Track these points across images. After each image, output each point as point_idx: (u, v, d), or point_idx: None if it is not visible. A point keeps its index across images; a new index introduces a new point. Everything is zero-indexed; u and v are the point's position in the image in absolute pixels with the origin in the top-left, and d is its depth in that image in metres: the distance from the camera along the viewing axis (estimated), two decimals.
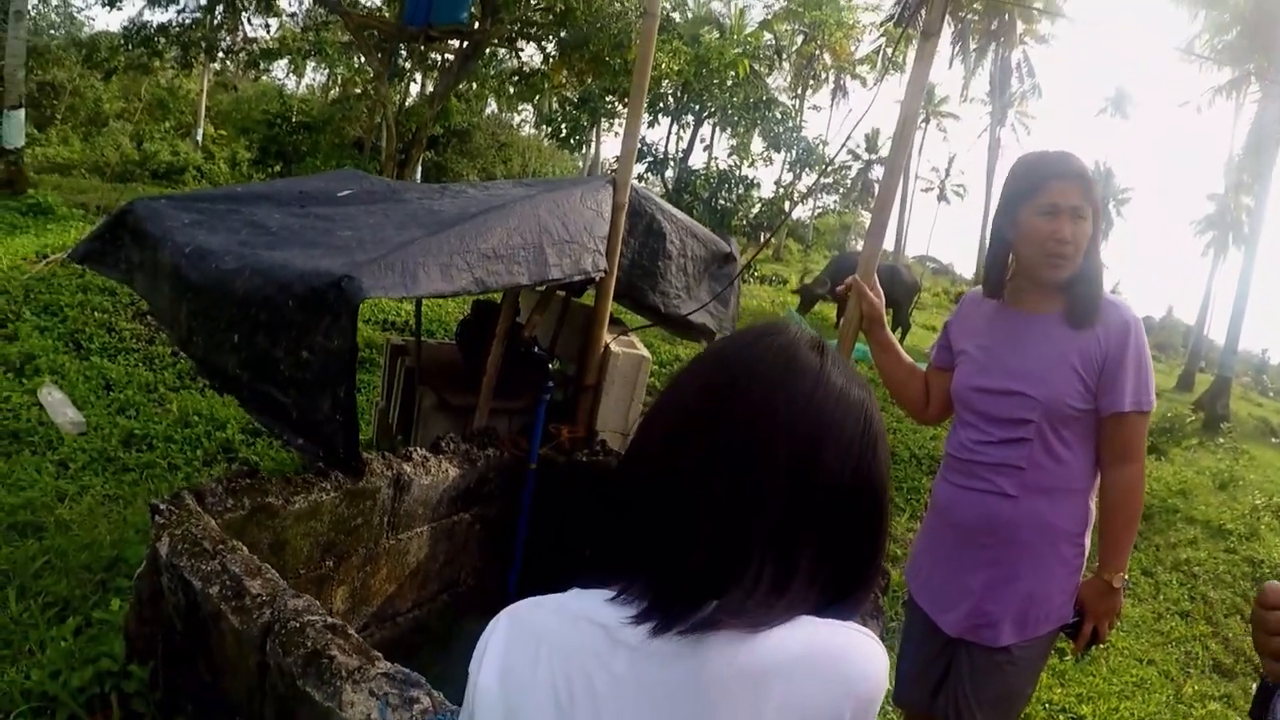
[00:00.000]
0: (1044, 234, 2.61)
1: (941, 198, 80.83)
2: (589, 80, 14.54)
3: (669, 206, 4.96)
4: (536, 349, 4.86)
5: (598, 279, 4.38)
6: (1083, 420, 2.66)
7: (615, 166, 14.70)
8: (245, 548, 2.83)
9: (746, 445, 1.00)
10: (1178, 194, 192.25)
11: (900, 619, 3.62)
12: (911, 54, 3.71)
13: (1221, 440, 16.35)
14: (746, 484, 0.99)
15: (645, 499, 1.04)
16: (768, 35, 18.15)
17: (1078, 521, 2.72)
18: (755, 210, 14.11)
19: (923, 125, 56.78)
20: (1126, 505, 2.69)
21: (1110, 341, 2.63)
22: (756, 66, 16.12)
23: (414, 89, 24.97)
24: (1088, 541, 2.76)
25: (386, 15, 16.25)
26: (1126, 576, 2.75)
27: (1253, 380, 76.35)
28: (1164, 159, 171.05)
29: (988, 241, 2.97)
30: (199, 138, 27.81)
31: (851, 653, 0.97)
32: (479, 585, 4.41)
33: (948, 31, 38.30)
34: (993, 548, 2.70)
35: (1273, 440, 25.34)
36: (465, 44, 15.34)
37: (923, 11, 3.29)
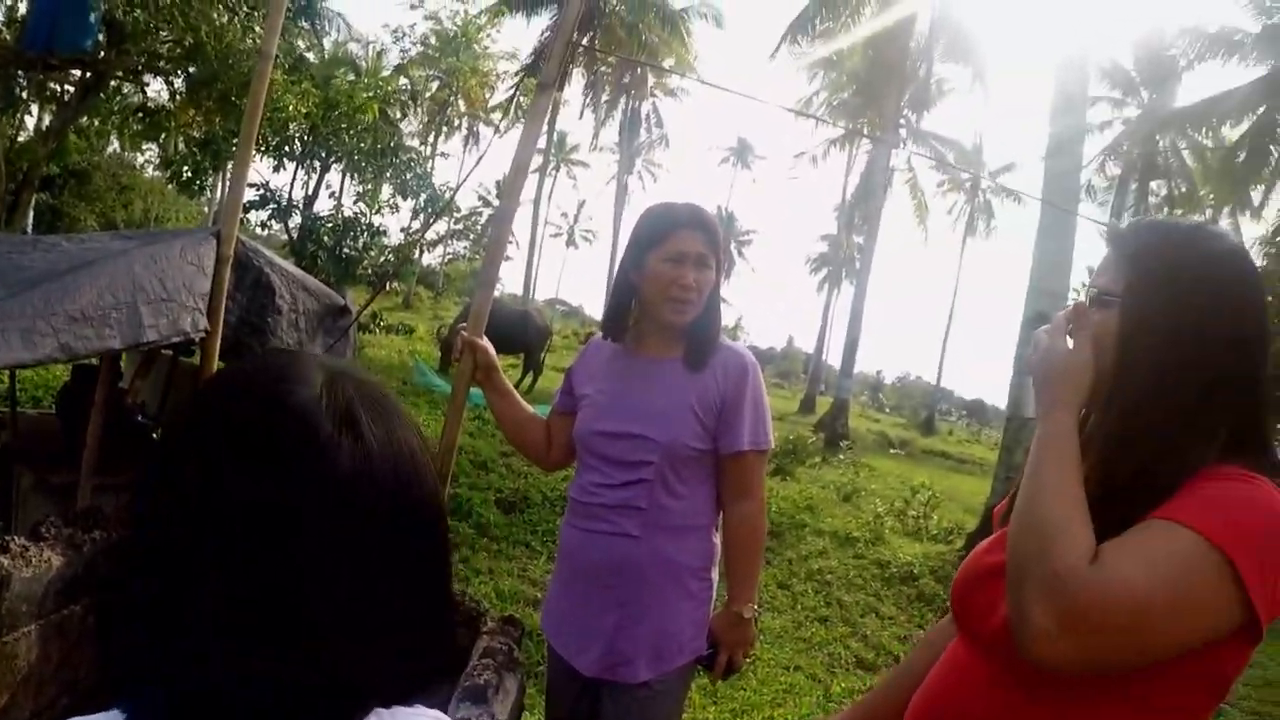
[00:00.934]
0: (668, 280, 2.66)
1: (570, 243, 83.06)
2: (217, 121, 13.97)
3: (279, 259, 4.75)
4: (140, 417, 4.52)
5: (198, 340, 4.13)
6: (702, 460, 2.71)
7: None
8: None
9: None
10: (796, 235, 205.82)
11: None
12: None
13: (843, 456, 17.52)
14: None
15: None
16: (403, 80, 18.10)
17: (702, 557, 2.76)
18: (382, 258, 13.86)
19: (553, 172, 58.04)
20: (749, 540, 2.77)
21: (728, 384, 2.69)
22: (390, 111, 15.95)
23: (30, 122, 23.03)
24: (715, 575, 2.81)
25: (6, 37, 14.88)
26: (756, 607, 2.81)
27: (870, 398, 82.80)
28: (784, 203, 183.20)
29: (613, 283, 3.00)
30: None
31: None
32: (100, 682, 4.02)
33: (580, 83, 39.36)
34: (621, 587, 2.71)
35: (891, 451, 27.60)
36: (88, 74, 14.33)
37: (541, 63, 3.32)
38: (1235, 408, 1.38)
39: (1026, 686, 1.39)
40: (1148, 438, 1.36)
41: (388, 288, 26.50)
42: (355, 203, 14.21)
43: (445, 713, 0.93)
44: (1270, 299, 20.32)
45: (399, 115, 17.14)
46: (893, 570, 9.35)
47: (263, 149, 12.82)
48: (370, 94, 13.78)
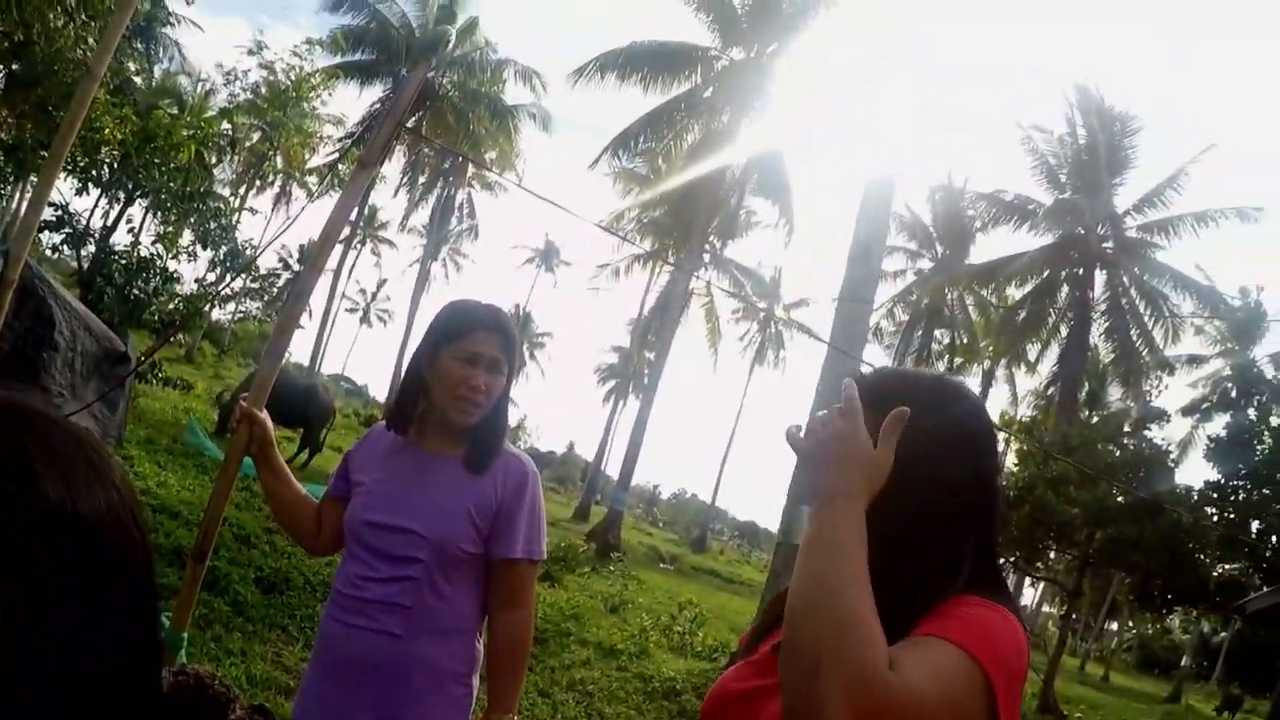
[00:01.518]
0: (459, 379, 2.64)
1: (365, 320, 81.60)
2: (29, 129, 13.34)
3: (64, 291, 4.53)
4: None
5: None
6: (473, 563, 2.68)
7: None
8: None
9: None
10: (589, 343, 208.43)
11: None
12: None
13: (613, 567, 17.58)
14: None
15: None
16: (226, 124, 17.64)
17: (466, 662, 2.72)
18: (171, 305, 13.33)
19: (358, 246, 57.21)
20: (514, 649, 2.73)
21: (507, 490, 2.68)
22: (206, 154, 15.56)
23: None
24: (476, 681, 2.76)
25: None
26: (515, 717, 2.75)
27: (645, 511, 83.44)
28: (582, 310, 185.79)
29: (404, 373, 2.96)
30: None
31: None
32: None
33: (400, 161, 39.16)
34: (379, 686, 2.63)
35: (661, 565, 27.84)
36: None
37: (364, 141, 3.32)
38: (977, 543, 1.47)
39: None
40: (907, 565, 1.41)
41: (173, 339, 25.44)
42: (154, 243, 13.70)
43: None
44: (1037, 446, 21.48)
45: (214, 160, 16.72)
46: (655, 684, 9.32)
47: (70, 169, 12.30)
48: (190, 133, 13.41)
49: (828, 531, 1.32)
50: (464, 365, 2.65)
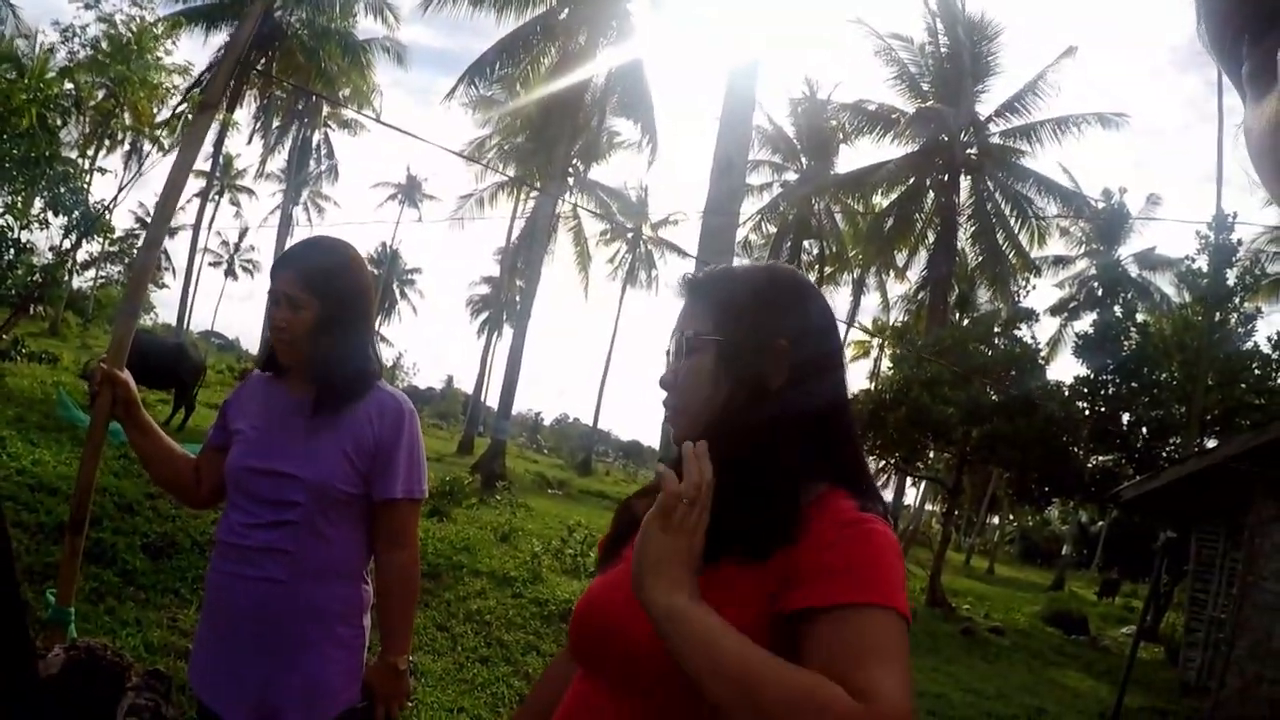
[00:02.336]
0: (270, 319, 2.70)
1: (230, 273, 79.51)
2: None
3: None
4: None
5: None
6: (353, 504, 2.68)
7: None
8: None
9: None
10: (460, 275, 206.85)
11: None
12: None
13: (500, 497, 17.68)
14: None
15: None
16: (68, 84, 16.93)
17: (353, 604, 2.72)
18: (28, 278, 12.82)
19: (216, 198, 55.65)
20: (403, 589, 2.74)
21: (383, 429, 2.69)
22: (49, 118, 14.91)
23: None
24: (367, 623, 2.77)
25: None
26: (411, 658, 2.78)
27: (528, 440, 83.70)
28: (450, 242, 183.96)
29: None
30: None
31: None
32: None
33: (252, 106, 37.97)
34: (268, 635, 2.62)
35: (549, 491, 28.04)
36: None
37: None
38: (832, 430, 1.52)
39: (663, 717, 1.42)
40: (762, 459, 1.44)
41: (32, 311, 24.54)
42: (1, 215, 13.15)
43: None
44: (910, 349, 22.11)
45: (59, 123, 16.04)
46: (551, 608, 9.43)
47: None
48: (29, 96, 12.84)
49: (691, 639, 1.28)
50: (271, 305, 2.70)
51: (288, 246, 3.41)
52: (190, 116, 16.71)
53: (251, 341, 68.30)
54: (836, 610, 1.28)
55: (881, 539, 1.36)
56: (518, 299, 38.00)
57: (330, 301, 2.69)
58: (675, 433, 1.58)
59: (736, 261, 1.87)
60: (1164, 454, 21.94)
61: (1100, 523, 37.99)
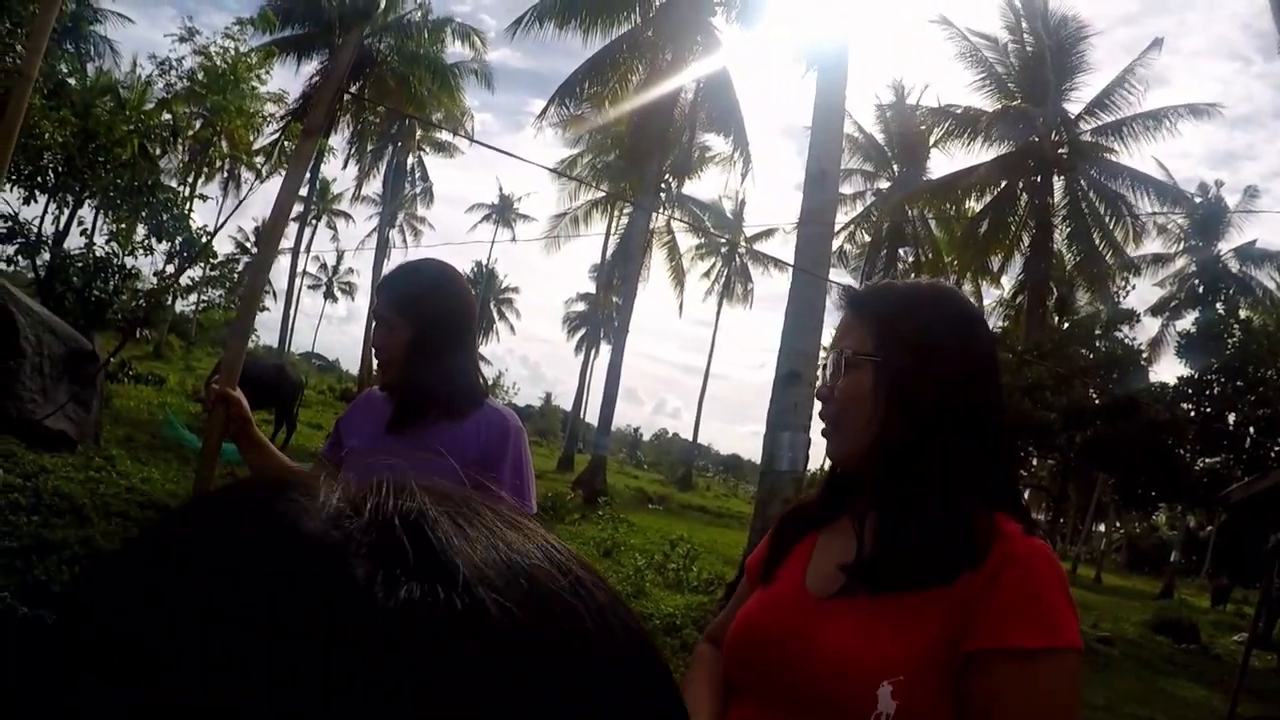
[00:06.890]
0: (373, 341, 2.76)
1: (329, 295, 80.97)
2: None
3: (25, 298, 4.51)
4: None
5: None
6: None
7: None
8: None
9: None
10: (556, 293, 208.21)
11: None
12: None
13: (601, 512, 17.71)
14: None
15: None
16: (166, 115, 17.41)
17: None
18: (133, 303, 13.21)
19: (314, 222, 56.61)
20: None
21: (488, 444, 2.69)
22: (149, 147, 15.36)
23: None
24: None
25: None
26: None
27: (628, 455, 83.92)
28: (546, 261, 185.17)
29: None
30: None
31: None
32: None
33: (346, 132, 38.69)
34: None
35: (649, 506, 28.04)
36: None
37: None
38: (996, 454, 1.48)
39: None
40: (937, 485, 1.40)
41: (138, 335, 25.23)
42: (108, 242, 13.55)
43: None
44: (1010, 355, 21.68)
45: (159, 152, 16.50)
46: (655, 622, 9.40)
47: (14, 178, 12.11)
48: (130, 127, 13.23)
49: None
50: (374, 326, 2.77)
51: (385, 268, 3.45)
52: (288, 144, 17.08)
53: (351, 362, 69.39)
54: (1013, 655, 1.29)
55: (1052, 570, 1.37)
56: (614, 315, 38.13)
57: (422, 322, 2.71)
58: (830, 448, 1.57)
59: (895, 280, 1.79)
60: (1273, 454, 21.20)
61: (1209, 527, 36.88)
